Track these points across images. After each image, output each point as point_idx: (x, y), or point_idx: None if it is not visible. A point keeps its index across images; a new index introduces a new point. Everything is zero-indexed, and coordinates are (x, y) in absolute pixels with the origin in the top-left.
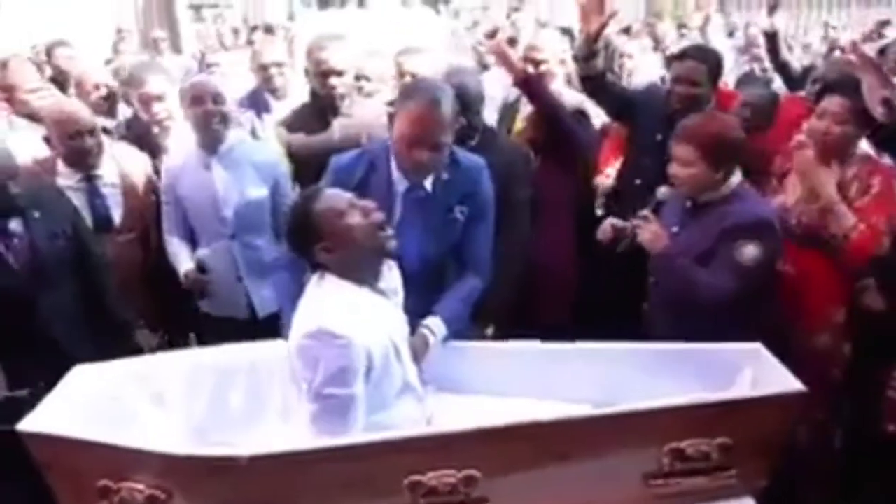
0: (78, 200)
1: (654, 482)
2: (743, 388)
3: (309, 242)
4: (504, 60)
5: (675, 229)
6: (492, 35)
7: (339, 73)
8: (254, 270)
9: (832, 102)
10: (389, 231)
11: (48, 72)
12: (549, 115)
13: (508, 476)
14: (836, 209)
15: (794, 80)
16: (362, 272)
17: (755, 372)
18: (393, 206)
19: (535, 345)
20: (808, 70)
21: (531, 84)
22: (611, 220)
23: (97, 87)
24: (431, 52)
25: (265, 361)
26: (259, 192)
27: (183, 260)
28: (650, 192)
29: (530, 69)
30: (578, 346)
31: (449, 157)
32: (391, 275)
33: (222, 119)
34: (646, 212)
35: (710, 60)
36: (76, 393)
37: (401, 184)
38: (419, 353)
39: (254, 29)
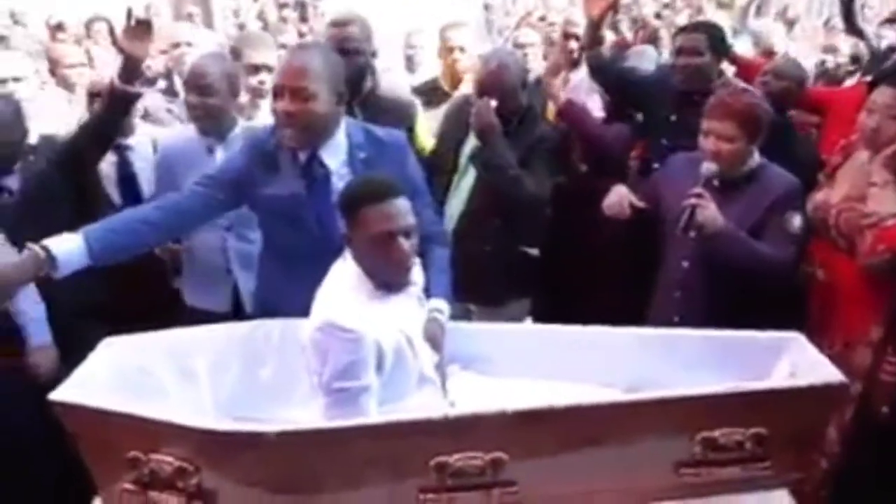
0: (107, 169)
1: (686, 471)
2: (780, 377)
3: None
4: (548, 92)
5: None
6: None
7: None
8: (245, 263)
9: (884, 94)
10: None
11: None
12: (591, 142)
13: (536, 460)
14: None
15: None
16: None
17: (793, 361)
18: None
19: (565, 328)
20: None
21: (572, 114)
22: (620, 191)
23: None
24: (472, 27)
25: (295, 340)
26: None
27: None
28: None
29: (572, 45)
30: (610, 330)
31: (367, 135)
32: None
33: (220, 111)
34: (699, 189)
35: (710, 30)
36: (106, 364)
37: (289, 163)
38: (437, 338)
39: (283, 6)
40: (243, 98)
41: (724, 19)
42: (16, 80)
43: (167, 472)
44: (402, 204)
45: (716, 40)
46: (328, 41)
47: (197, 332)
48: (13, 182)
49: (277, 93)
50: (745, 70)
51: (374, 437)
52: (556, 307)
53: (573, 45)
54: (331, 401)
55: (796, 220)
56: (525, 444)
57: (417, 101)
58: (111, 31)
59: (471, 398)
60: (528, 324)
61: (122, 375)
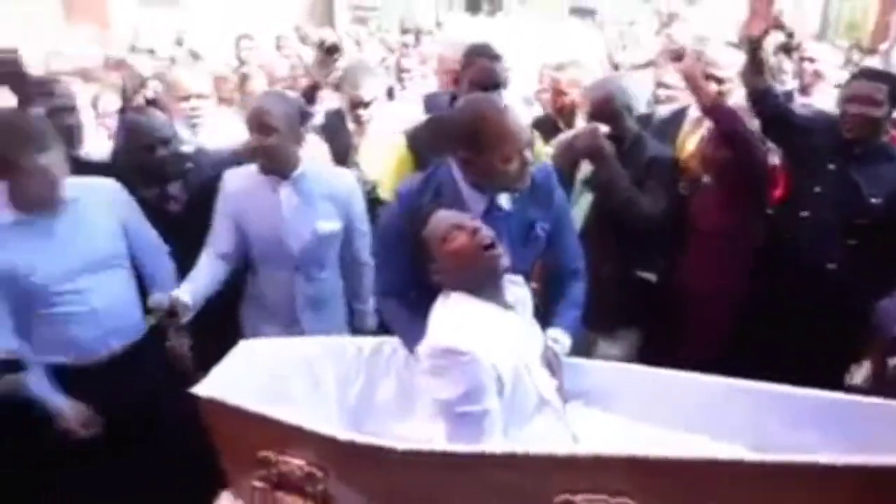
0: None
1: None
2: None
3: (426, 264)
4: (694, 84)
5: None
6: (678, 57)
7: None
8: (312, 304)
9: None
10: (498, 249)
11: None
12: (741, 144)
13: None
14: None
15: None
16: (481, 290)
17: None
18: None
19: (689, 375)
20: None
21: (722, 112)
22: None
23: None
24: (587, 66)
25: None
26: (331, 225)
27: (191, 279)
28: (818, 224)
29: (713, 87)
30: (731, 382)
31: None
32: (516, 288)
33: (280, 151)
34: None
35: (891, 80)
36: (243, 365)
37: (477, 204)
38: (554, 367)
39: (405, 32)
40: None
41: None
42: (199, 97)
43: (296, 476)
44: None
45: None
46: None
47: (328, 343)
48: (177, 190)
49: (512, 153)
50: None
51: (501, 467)
52: (667, 338)
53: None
54: (453, 426)
55: None
56: (652, 491)
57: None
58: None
59: (593, 436)
60: (656, 369)
61: (256, 378)
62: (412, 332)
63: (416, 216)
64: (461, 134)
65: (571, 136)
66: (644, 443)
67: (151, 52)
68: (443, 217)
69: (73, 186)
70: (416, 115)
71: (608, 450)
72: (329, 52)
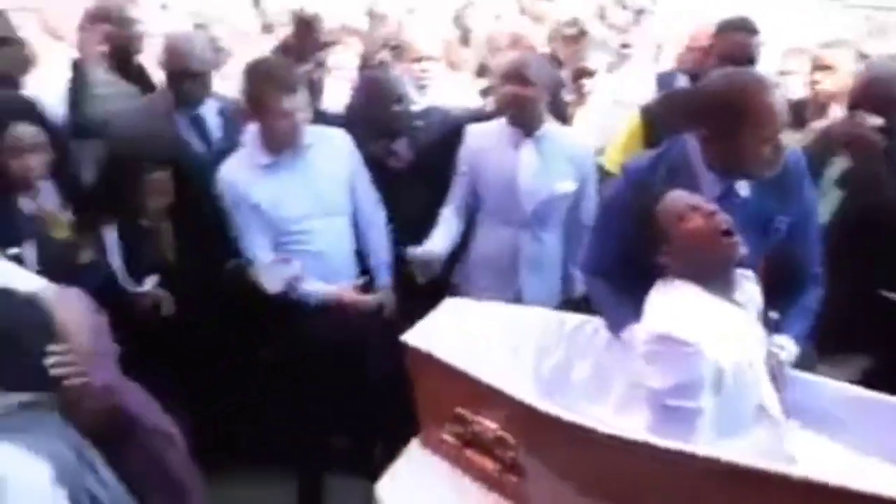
0: None
1: None
2: None
3: (652, 245)
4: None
5: None
6: None
7: None
8: (533, 264)
9: None
10: (735, 237)
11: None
12: None
13: None
14: None
15: None
16: (709, 280)
17: None
18: None
19: None
20: None
21: None
22: None
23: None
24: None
25: (619, 343)
26: (567, 186)
27: (439, 234)
28: None
29: None
30: None
31: None
32: (748, 285)
33: (534, 104)
34: None
35: None
36: (448, 322)
37: (712, 188)
38: (777, 376)
39: (624, 8)
40: None
41: None
42: (430, 59)
43: (488, 438)
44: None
45: None
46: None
47: (531, 313)
48: (402, 147)
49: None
50: None
51: (706, 471)
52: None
53: None
54: (659, 418)
55: None
56: None
57: None
58: None
59: (810, 461)
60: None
61: (458, 336)
62: (619, 315)
63: (643, 194)
64: (713, 109)
65: (829, 123)
66: (871, 479)
67: (383, 17)
68: (679, 196)
69: (311, 133)
70: (642, 92)
71: (833, 478)
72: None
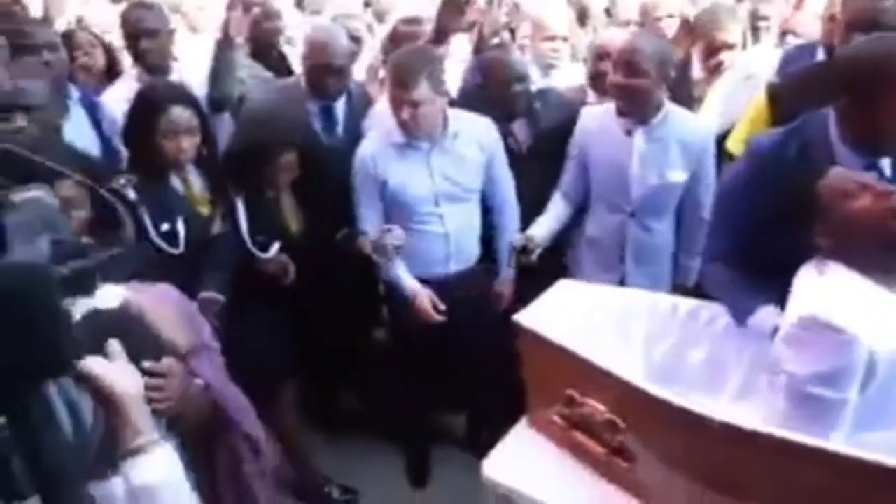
0: None
1: None
2: None
3: (807, 222)
4: None
5: None
6: None
7: None
8: (639, 254)
9: None
10: None
11: None
12: None
13: None
14: None
15: None
16: (869, 264)
17: None
18: None
19: None
20: None
21: None
22: None
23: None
24: None
25: (738, 332)
26: (678, 175)
27: (544, 219)
28: None
29: None
30: None
31: None
32: None
33: (644, 95)
34: None
35: None
36: (559, 303)
37: (852, 166)
38: None
39: None
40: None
41: None
42: (562, 39)
43: (597, 421)
44: None
45: None
46: None
47: (643, 297)
48: (520, 128)
49: None
50: None
51: (836, 470)
52: None
53: None
54: (796, 406)
55: None
56: None
57: None
58: None
59: None
60: None
61: (569, 318)
62: (745, 302)
63: (776, 171)
64: (855, 78)
65: None
66: None
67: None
68: (847, 172)
69: (457, 120)
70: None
71: None
72: None
